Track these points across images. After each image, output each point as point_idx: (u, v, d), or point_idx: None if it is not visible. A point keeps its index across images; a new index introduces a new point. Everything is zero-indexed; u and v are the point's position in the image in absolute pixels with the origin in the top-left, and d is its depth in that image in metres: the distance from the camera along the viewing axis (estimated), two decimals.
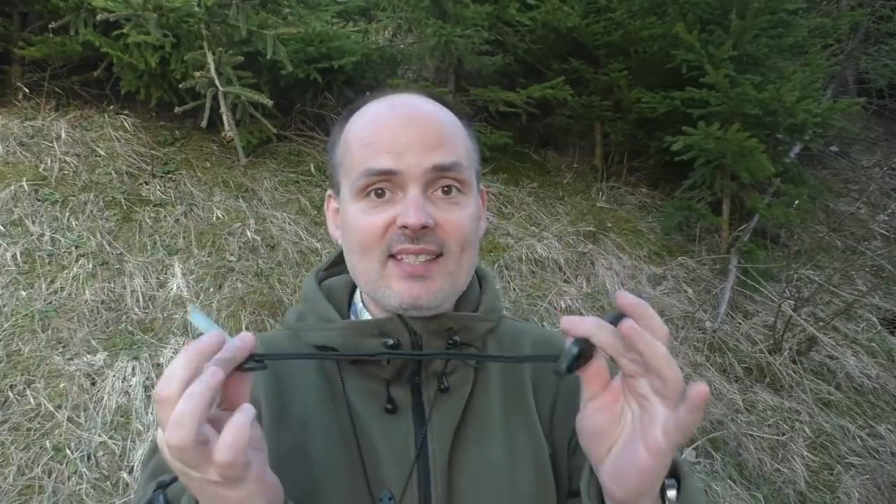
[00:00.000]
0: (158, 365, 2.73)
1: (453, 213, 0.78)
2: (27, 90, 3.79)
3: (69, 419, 2.48)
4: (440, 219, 0.77)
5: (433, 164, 0.77)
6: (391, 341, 0.79)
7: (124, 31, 3.37)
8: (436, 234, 0.77)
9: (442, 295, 0.78)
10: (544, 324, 3.35)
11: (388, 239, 0.77)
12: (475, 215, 0.81)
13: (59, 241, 3.11)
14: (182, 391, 0.57)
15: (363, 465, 0.77)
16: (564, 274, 3.79)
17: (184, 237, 3.31)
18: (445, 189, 0.78)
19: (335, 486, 0.77)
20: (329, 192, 0.89)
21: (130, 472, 2.39)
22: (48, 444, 2.40)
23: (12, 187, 3.24)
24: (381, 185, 0.77)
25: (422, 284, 0.77)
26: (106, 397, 2.58)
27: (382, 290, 0.78)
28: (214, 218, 3.45)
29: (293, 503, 0.67)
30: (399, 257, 0.77)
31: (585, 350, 0.63)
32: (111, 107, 3.88)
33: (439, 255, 0.78)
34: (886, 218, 5.27)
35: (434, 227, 0.76)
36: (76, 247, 3.11)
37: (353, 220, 0.79)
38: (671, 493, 0.66)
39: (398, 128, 0.78)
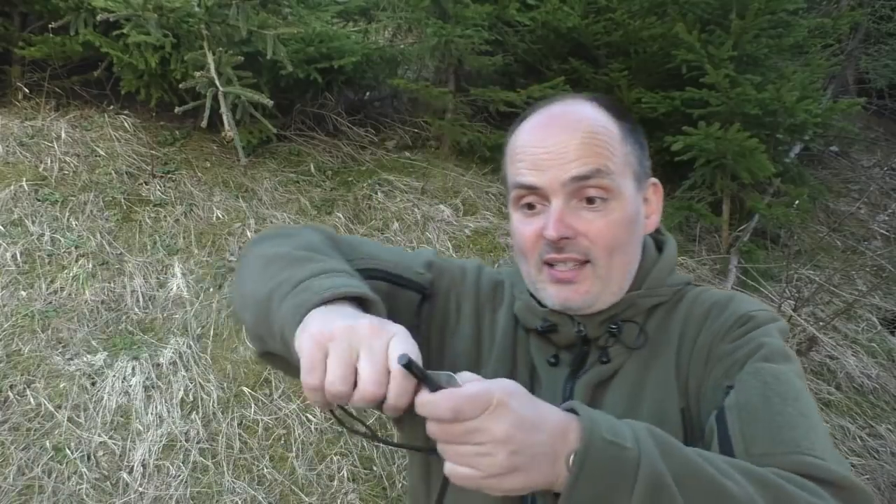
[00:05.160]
0: (158, 365, 2.73)
1: (596, 223, 0.84)
2: (27, 90, 3.79)
3: (69, 419, 2.48)
4: (582, 228, 0.84)
5: (570, 177, 0.83)
6: (550, 322, 0.90)
7: (124, 31, 3.37)
8: (578, 243, 0.84)
9: (591, 297, 0.86)
10: None
11: (539, 248, 0.86)
12: (624, 219, 0.86)
13: (59, 241, 3.11)
14: None
15: None
16: None
17: (184, 237, 3.31)
18: (589, 199, 0.84)
19: None
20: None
21: (130, 472, 2.39)
22: (48, 444, 2.40)
23: (12, 187, 3.25)
24: (530, 198, 0.86)
25: (570, 288, 0.86)
26: (106, 397, 2.58)
27: (539, 293, 0.89)
28: (214, 218, 3.45)
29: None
30: (551, 264, 0.86)
31: None
32: (111, 107, 3.88)
33: (587, 261, 0.85)
34: (886, 218, 5.27)
35: (575, 236, 0.84)
36: (76, 247, 3.11)
37: (513, 228, 0.91)
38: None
39: (542, 143, 0.85)
